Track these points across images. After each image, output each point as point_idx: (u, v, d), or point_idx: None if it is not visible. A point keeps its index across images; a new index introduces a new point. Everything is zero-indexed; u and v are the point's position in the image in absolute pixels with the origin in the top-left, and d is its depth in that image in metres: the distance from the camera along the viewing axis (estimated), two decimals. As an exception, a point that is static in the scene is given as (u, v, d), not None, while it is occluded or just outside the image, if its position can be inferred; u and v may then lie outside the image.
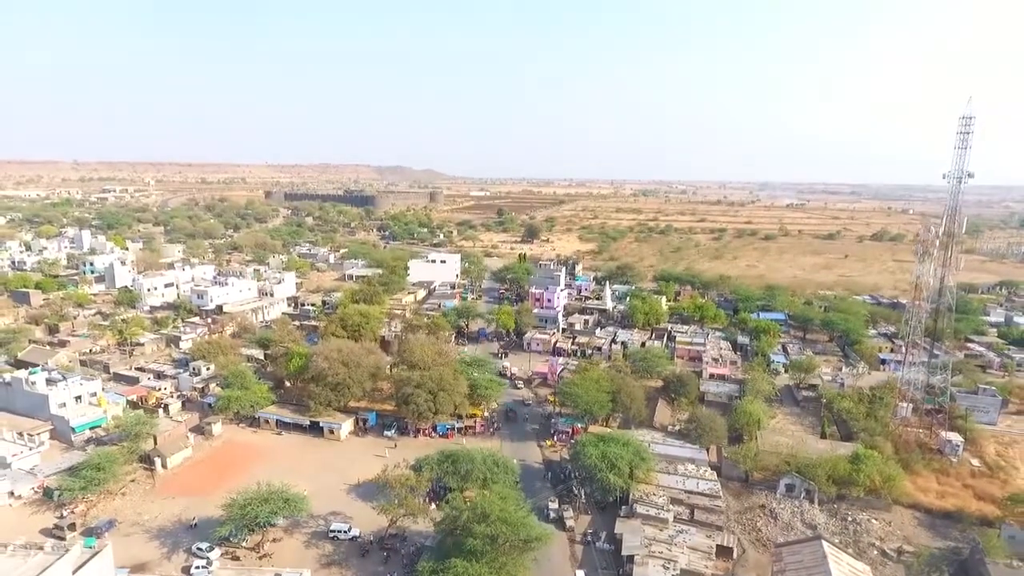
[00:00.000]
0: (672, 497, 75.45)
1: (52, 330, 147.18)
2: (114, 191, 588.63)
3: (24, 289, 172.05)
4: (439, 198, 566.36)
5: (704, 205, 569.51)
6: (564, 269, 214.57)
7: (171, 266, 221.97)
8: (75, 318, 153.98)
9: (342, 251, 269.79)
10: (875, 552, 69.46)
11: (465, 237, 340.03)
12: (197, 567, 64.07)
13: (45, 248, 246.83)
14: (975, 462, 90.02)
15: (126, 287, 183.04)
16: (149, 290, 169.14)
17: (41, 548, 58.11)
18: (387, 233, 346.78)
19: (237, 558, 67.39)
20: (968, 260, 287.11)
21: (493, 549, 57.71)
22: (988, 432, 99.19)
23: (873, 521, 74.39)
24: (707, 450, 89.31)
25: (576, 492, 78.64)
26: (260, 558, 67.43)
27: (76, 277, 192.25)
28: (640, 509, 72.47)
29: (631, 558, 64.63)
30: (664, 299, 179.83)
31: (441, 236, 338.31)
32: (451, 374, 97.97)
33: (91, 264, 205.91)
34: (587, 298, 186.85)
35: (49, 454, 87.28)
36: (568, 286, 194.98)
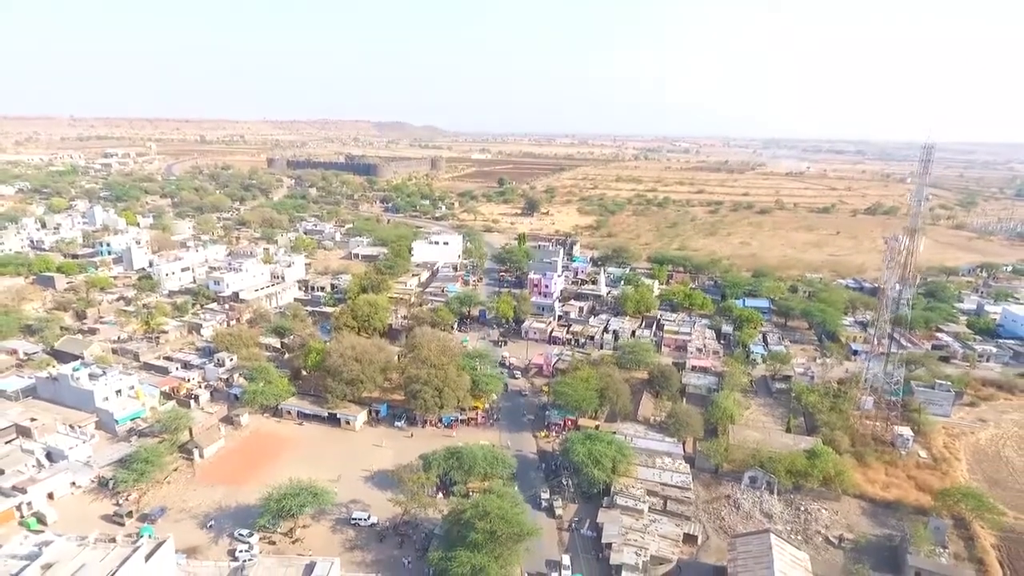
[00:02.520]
0: (648, 489, 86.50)
1: (80, 316, 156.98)
2: (116, 155, 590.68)
3: (48, 273, 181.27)
4: (440, 164, 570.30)
5: (704, 173, 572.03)
6: (562, 249, 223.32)
7: (183, 245, 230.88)
8: (100, 303, 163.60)
9: (347, 227, 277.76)
10: (820, 539, 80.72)
11: (466, 209, 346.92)
12: (241, 551, 75.51)
13: (59, 225, 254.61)
14: (923, 454, 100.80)
15: (144, 270, 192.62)
16: (167, 275, 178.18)
17: (113, 539, 69.35)
18: (390, 205, 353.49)
19: (273, 542, 78.79)
20: (956, 237, 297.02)
21: (492, 541, 68.60)
22: (940, 424, 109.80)
23: (822, 511, 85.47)
24: (684, 443, 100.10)
25: (565, 483, 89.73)
26: (293, 542, 78.79)
27: (96, 260, 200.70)
28: (620, 501, 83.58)
29: (609, 544, 75.91)
30: (656, 283, 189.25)
31: (443, 208, 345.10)
32: (455, 372, 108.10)
33: (108, 245, 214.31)
34: (583, 281, 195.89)
35: (98, 445, 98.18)
36: (566, 268, 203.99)
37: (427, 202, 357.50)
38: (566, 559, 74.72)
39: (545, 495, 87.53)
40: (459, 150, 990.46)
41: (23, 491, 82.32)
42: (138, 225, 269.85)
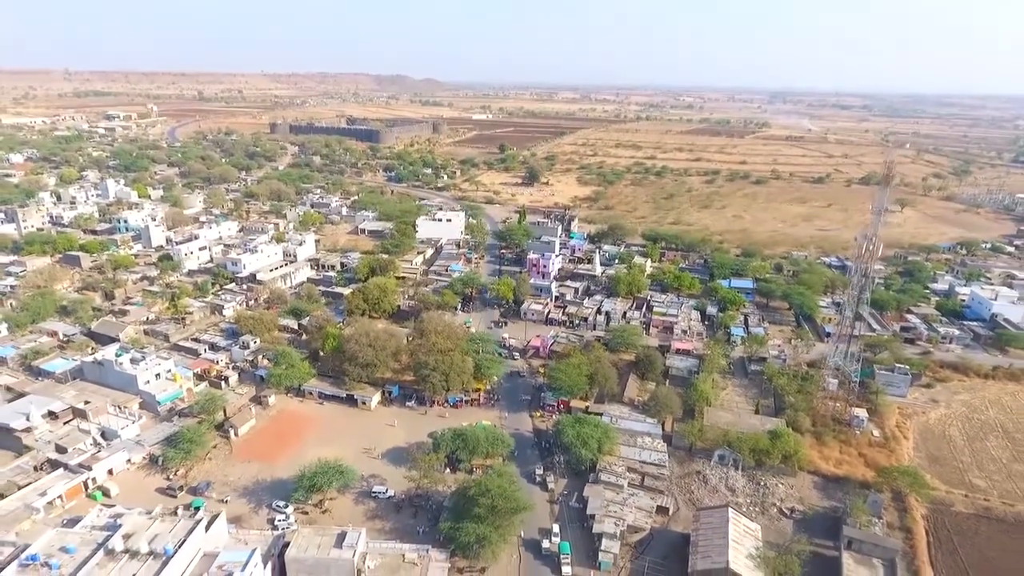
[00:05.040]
0: (629, 467, 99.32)
1: (108, 296, 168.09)
2: (118, 117, 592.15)
3: (73, 252, 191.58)
4: (441, 128, 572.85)
5: (704, 137, 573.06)
6: (560, 226, 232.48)
7: (196, 220, 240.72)
8: (125, 283, 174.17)
9: (352, 199, 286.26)
10: (775, 510, 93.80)
11: (467, 178, 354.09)
12: (279, 520, 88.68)
13: (74, 199, 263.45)
14: (876, 433, 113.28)
15: (162, 247, 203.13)
16: (186, 255, 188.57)
17: (174, 512, 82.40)
18: (392, 175, 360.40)
19: (306, 512, 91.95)
20: (944, 209, 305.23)
21: (493, 514, 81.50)
22: (896, 405, 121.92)
23: (779, 485, 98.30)
24: (663, 423, 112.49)
25: (557, 461, 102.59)
26: (322, 513, 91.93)
27: (116, 237, 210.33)
28: (604, 477, 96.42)
29: (593, 515, 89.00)
30: (649, 261, 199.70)
31: (445, 178, 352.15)
32: (460, 357, 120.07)
33: (125, 221, 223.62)
34: (580, 260, 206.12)
35: (144, 425, 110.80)
36: (563, 245, 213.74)
37: (429, 171, 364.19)
38: (556, 528, 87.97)
39: (539, 471, 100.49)
40: (460, 108, 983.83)
41: (88, 468, 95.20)
42: (149, 197, 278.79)
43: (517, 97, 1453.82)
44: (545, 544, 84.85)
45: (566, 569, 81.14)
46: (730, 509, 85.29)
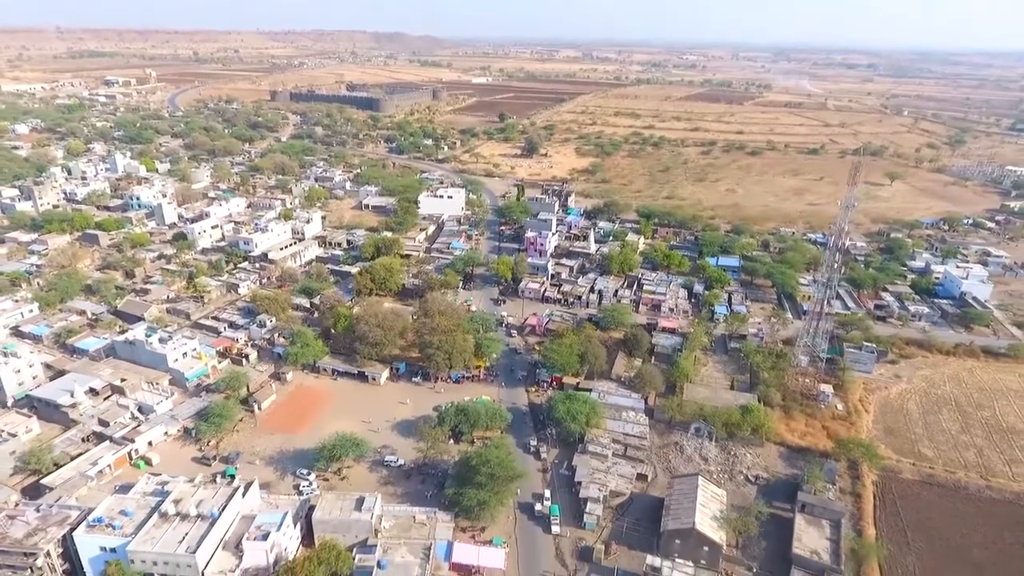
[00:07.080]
0: (614, 438, 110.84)
1: (128, 275, 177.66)
2: (117, 83, 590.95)
3: (91, 231, 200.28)
4: (441, 95, 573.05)
5: (702, 104, 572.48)
6: (557, 201, 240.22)
7: (204, 196, 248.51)
8: (143, 262, 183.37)
9: (355, 172, 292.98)
10: (742, 477, 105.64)
11: (467, 149, 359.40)
12: (304, 486, 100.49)
13: (85, 173, 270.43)
14: (840, 407, 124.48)
15: (175, 225, 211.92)
16: (199, 233, 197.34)
17: (213, 479, 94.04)
18: (394, 146, 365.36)
19: (326, 479, 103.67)
20: (934, 182, 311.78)
21: (492, 481, 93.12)
22: (861, 380, 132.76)
23: (747, 455, 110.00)
24: (647, 397, 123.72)
25: (549, 433, 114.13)
26: (341, 479, 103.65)
27: (130, 215, 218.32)
28: (591, 448, 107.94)
29: (580, 482, 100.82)
30: (641, 239, 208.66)
31: (445, 149, 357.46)
32: (462, 337, 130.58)
33: (137, 199, 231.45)
34: (576, 236, 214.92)
35: (175, 400, 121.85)
36: (560, 222, 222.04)
37: (430, 142, 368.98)
38: (547, 493, 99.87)
39: (533, 442, 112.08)
40: (459, 69, 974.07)
41: (131, 440, 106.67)
42: (157, 171, 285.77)
43: (517, 56, 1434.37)
44: (538, 507, 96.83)
45: (555, 528, 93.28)
46: (700, 477, 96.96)
